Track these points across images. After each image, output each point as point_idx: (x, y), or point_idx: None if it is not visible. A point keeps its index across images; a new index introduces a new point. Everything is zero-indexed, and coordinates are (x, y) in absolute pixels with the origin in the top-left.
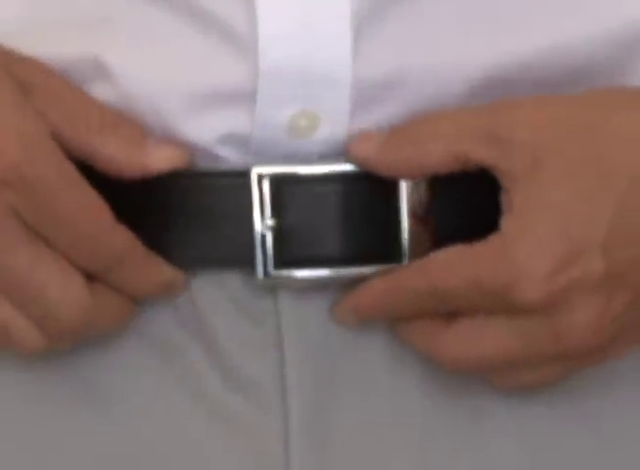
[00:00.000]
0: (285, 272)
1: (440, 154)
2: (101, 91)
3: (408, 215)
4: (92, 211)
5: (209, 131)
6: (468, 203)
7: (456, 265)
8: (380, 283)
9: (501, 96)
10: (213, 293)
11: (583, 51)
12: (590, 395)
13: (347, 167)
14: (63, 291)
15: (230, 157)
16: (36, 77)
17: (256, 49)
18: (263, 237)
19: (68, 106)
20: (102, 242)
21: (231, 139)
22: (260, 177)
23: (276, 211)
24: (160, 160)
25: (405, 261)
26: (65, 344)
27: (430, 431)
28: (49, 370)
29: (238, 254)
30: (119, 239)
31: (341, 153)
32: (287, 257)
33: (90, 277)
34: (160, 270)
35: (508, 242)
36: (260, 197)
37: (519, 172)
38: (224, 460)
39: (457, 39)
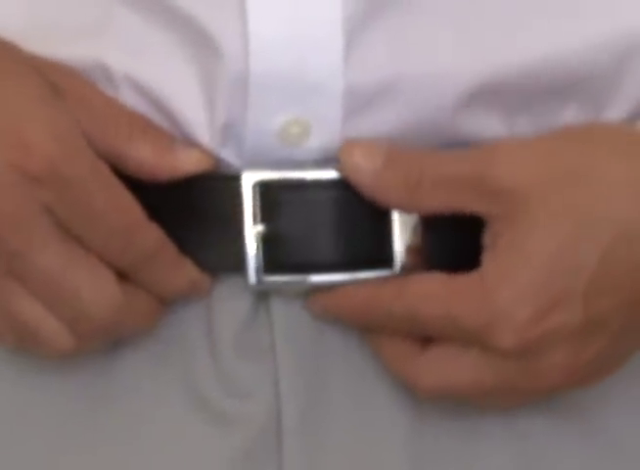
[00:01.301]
0: (276, 278)
1: (432, 203)
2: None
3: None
4: (125, 207)
5: (210, 131)
6: (459, 228)
7: (435, 297)
8: (358, 293)
9: (495, 104)
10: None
11: (579, 59)
12: (588, 405)
13: (338, 174)
14: (95, 291)
15: (229, 159)
16: (65, 82)
17: (247, 56)
18: (254, 242)
19: (98, 110)
20: (134, 239)
21: (229, 141)
22: (251, 182)
23: (267, 216)
24: (189, 162)
25: (397, 268)
26: (93, 345)
27: (420, 433)
28: (53, 369)
29: (230, 259)
30: (151, 237)
31: (334, 160)
32: (278, 262)
33: (121, 277)
34: (188, 270)
35: (489, 283)
36: (252, 202)
37: (504, 218)
38: (217, 460)
39: (451, 46)
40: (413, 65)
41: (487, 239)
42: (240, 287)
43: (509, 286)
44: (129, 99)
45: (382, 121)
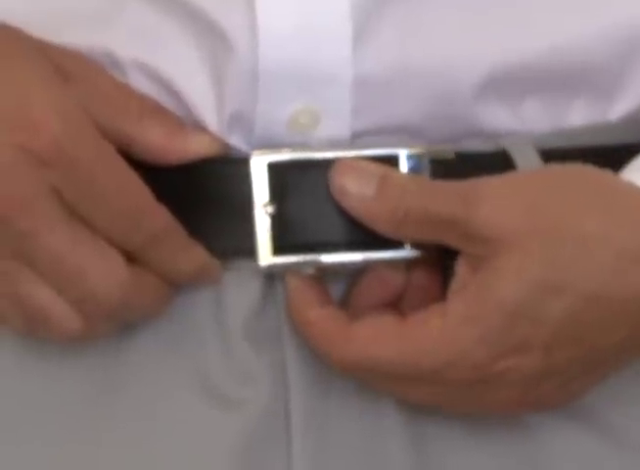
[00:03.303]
0: (286, 258)
1: (416, 236)
2: None
3: None
4: (131, 189)
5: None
6: None
7: (386, 339)
8: (316, 326)
9: (505, 94)
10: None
11: (589, 48)
12: (595, 404)
13: (349, 153)
14: (103, 272)
15: (237, 145)
16: (73, 65)
17: (256, 47)
18: (264, 223)
19: (107, 93)
20: (142, 221)
21: (238, 128)
22: (260, 163)
23: (277, 197)
24: (199, 146)
25: (408, 249)
26: (102, 329)
27: (423, 434)
28: (64, 354)
29: (241, 242)
30: (159, 219)
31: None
32: (288, 243)
33: (129, 259)
34: (197, 254)
35: (452, 322)
36: (261, 183)
37: (481, 260)
38: (225, 444)
39: (461, 36)
40: (423, 55)
41: (460, 269)
42: (249, 273)
43: (473, 328)
44: (138, 84)
45: (391, 112)
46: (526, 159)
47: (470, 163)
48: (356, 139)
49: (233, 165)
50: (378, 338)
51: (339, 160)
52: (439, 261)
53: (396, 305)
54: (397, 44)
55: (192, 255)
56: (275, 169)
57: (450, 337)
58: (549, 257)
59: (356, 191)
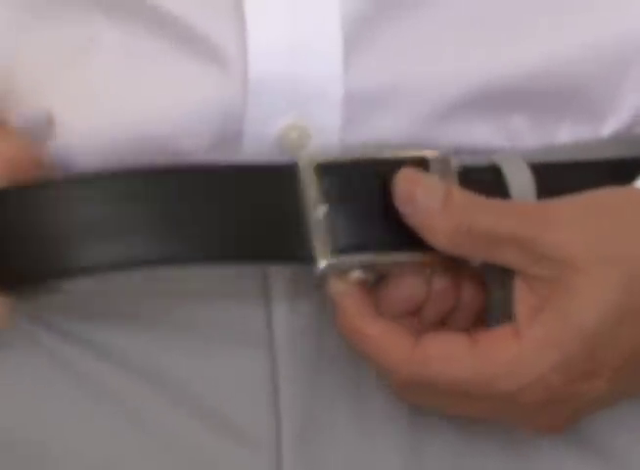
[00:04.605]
0: (348, 258)
1: (476, 254)
2: None
3: None
4: None
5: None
6: None
7: (461, 359)
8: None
9: (497, 109)
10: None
11: (580, 63)
12: (591, 423)
13: (386, 154)
14: None
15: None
16: None
17: (245, 63)
18: (318, 225)
19: None
20: None
21: (223, 151)
22: (309, 166)
23: (327, 199)
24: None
25: None
26: None
27: (419, 439)
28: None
29: (296, 247)
30: None
31: None
32: (346, 243)
33: None
34: None
35: (530, 347)
36: (312, 186)
37: (554, 283)
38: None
39: (452, 52)
40: (413, 70)
41: (519, 290)
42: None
43: (552, 353)
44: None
45: (383, 128)
46: (518, 175)
47: (463, 176)
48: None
49: (280, 172)
50: (452, 357)
51: (403, 168)
52: (455, 271)
53: (416, 314)
54: (388, 60)
55: None
56: (323, 172)
57: (528, 362)
58: (627, 283)
59: (423, 202)
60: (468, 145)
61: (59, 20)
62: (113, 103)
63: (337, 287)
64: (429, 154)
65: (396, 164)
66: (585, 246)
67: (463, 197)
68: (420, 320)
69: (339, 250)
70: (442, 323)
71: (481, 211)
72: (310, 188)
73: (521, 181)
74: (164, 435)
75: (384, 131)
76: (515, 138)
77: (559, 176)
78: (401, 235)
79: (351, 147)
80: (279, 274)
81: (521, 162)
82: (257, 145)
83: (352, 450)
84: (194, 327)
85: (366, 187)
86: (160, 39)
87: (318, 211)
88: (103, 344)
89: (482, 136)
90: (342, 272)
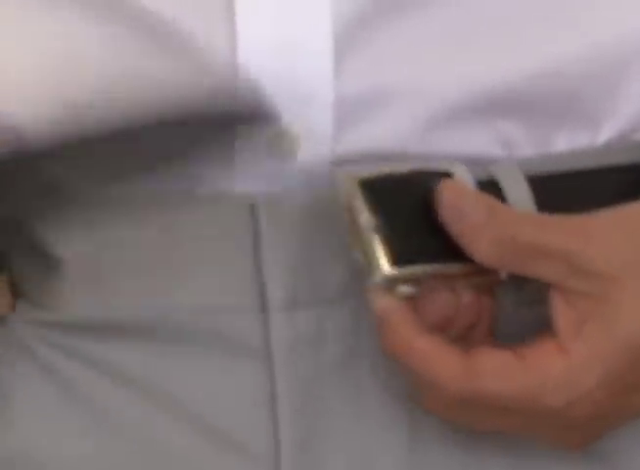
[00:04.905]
0: (409, 269)
1: (516, 268)
2: None
3: None
4: None
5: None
6: None
7: (513, 375)
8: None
9: (494, 115)
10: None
11: (580, 63)
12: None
13: (430, 166)
14: None
15: (216, 177)
16: None
17: (236, 66)
18: (373, 236)
19: None
20: None
21: (217, 159)
22: (352, 181)
23: (376, 211)
24: None
25: None
26: None
27: (419, 450)
28: None
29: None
30: None
31: (325, 173)
32: (405, 254)
33: None
34: None
35: (577, 363)
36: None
37: (595, 298)
38: None
39: (445, 56)
40: (405, 75)
41: (557, 304)
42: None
43: (599, 368)
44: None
45: (375, 134)
46: (515, 188)
47: None
48: (337, 166)
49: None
50: (505, 373)
51: (446, 179)
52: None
53: (445, 328)
54: (380, 64)
55: None
56: (366, 186)
57: (575, 378)
58: None
59: (469, 212)
60: (464, 154)
61: None
62: None
63: (384, 303)
64: (454, 167)
65: (434, 176)
66: (624, 259)
67: (507, 209)
68: (446, 335)
69: (396, 262)
70: (463, 338)
71: (526, 223)
72: (357, 201)
73: (518, 196)
74: (164, 450)
75: (375, 138)
76: (511, 147)
77: (557, 188)
78: (440, 247)
79: (346, 152)
80: (276, 287)
81: (518, 174)
82: (248, 150)
83: (352, 461)
84: (191, 341)
85: (409, 200)
86: (148, 40)
87: (368, 223)
88: (102, 360)
89: (479, 144)
90: (387, 288)
